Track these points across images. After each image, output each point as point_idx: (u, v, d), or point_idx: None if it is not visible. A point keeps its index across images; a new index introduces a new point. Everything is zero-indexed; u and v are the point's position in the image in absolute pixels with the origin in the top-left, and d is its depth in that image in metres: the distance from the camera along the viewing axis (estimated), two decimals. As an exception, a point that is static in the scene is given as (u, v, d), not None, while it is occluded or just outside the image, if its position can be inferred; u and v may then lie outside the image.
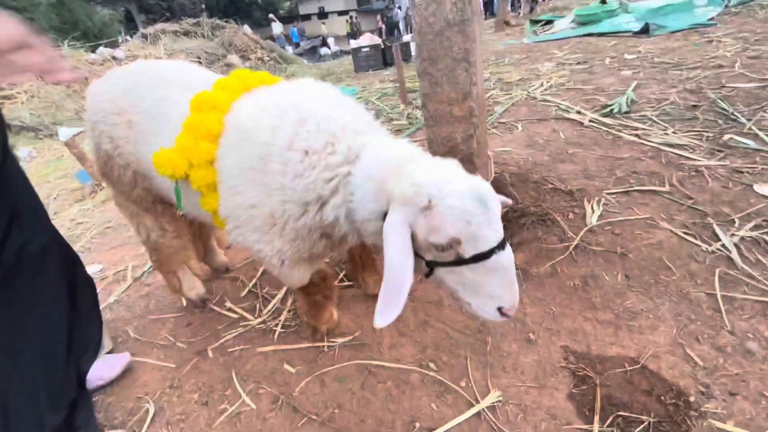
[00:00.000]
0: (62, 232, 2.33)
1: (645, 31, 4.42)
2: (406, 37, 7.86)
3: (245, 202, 0.88)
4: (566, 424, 0.92)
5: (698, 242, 1.33)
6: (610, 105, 2.49)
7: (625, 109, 2.41)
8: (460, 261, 0.70)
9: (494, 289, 0.71)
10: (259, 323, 1.39)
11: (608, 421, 0.90)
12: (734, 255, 1.25)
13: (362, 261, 1.31)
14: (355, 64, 6.62)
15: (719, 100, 2.24)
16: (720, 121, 2.06)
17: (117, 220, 2.41)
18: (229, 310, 1.47)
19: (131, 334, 1.43)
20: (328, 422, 1.02)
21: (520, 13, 10.82)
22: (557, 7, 9.64)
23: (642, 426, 0.88)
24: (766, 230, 1.32)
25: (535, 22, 6.77)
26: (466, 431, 0.94)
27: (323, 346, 1.24)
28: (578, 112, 2.51)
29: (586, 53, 4.16)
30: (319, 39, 14.16)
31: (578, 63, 3.79)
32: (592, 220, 1.49)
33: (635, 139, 2.06)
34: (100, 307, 1.55)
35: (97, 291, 1.73)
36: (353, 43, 6.77)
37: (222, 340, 1.34)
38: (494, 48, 5.66)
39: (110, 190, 1.26)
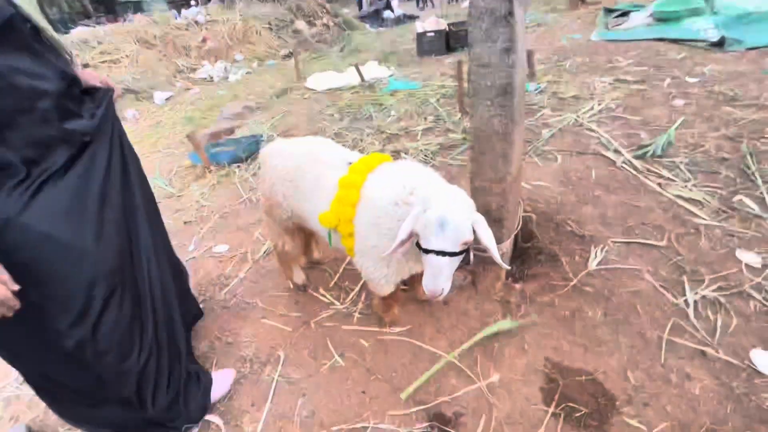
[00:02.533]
0: (192, 212, 3.15)
1: (721, 43, 4.32)
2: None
3: (369, 244, 1.51)
4: (534, 404, 1.51)
5: (668, 295, 1.78)
6: (647, 146, 2.77)
7: (659, 152, 2.70)
8: (419, 248, 1.31)
9: (427, 274, 1.29)
10: (343, 308, 2.07)
11: (560, 407, 1.48)
12: (690, 310, 1.70)
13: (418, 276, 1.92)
14: (418, 47, 6.85)
15: (748, 155, 2.47)
16: (739, 180, 2.34)
17: (231, 206, 3.18)
18: (323, 295, 2.17)
19: (259, 304, 2.18)
20: (388, 381, 1.68)
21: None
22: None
23: (579, 413, 1.45)
24: (724, 292, 1.74)
25: (609, 11, 6.51)
26: (471, 396, 1.56)
27: (387, 332, 1.89)
28: (615, 150, 2.82)
29: (650, 67, 4.20)
30: (383, 2, 14.02)
31: (636, 81, 3.90)
32: (592, 264, 1.96)
33: (656, 187, 2.41)
34: (234, 282, 2.29)
35: (230, 267, 2.49)
36: (419, 27, 6.94)
37: (319, 317, 2.04)
38: (558, 44, 5.66)
39: (268, 218, 1.93)
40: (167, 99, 8.12)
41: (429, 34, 6.66)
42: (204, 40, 9.83)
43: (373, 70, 6.19)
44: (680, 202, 2.27)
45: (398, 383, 1.67)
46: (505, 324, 1.79)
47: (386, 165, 1.59)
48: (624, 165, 2.66)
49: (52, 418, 1.78)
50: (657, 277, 1.88)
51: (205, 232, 2.91)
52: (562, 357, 1.65)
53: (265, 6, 11.35)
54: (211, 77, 9.00)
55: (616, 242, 2.08)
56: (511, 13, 1.37)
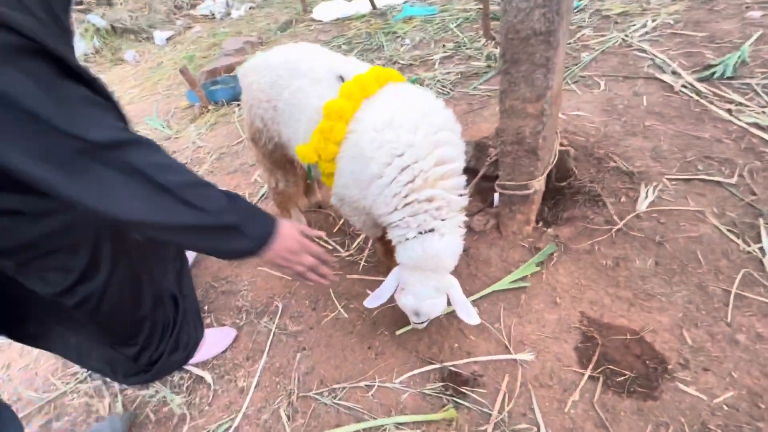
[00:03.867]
0: (187, 153, 2.90)
1: (811, -59, 3.49)
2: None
3: (350, 195, 1.25)
4: (566, 366, 1.29)
5: (738, 241, 1.47)
6: (714, 66, 2.29)
7: (730, 73, 2.22)
8: None
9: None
10: (348, 255, 1.85)
11: (599, 370, 1.25)
12: (766, 259, 1.39)
13: None
14: (437, -31, 6.01)
15: None
16: (834, 102, 1.89)
17: (228, 147, 2.91)
18: (325, 241, 1.94)
19: (257, 250, 1.98)
20: (396, 337, 1.48)
21: None
22: None
23: (623, 378, 1.22)
24: (813, 239, 1.41)
25: None
26: (492, 354, 1.35)
27: (395, 282, 1.67)
28: (673, 72, 2.35)
29: (717, -25, 3.47)
30: None
31: (701, -9, 3.24)
32: (642, 206, 1.64)
33: (725, 114, 1.99)
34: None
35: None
36: (438, -58, 6.05)
37: (321, 265, 1.83)
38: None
39: (256, 150, 1.65)
40: (168, 39, 7.63)
41: (450, -49, 5.79)
42: (202, -28, 9.01)
43: (385, -3, 5.51)
44: (755, 131, 1.85)
45: (407, 339, 1.47)
46: (529, 268, 1.54)
47: (389, 92, 1.24)
48: (684, 89, 2.21)
49: (43, 366, 1.70)
50: (724, 220, 1.55)
51: (200, 174, 2.67)
52: (601, 312, 1.40)
53: (267, -71, 10.22)
54: (213, 14, 8.37)
55: (672, 179, 1.73)
56: None
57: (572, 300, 1.46)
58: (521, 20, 1.22)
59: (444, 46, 3.52)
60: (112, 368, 1.46)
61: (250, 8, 8.21)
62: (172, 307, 1.49)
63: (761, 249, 1.43)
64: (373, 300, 1.31)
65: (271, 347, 1.55)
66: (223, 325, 1.68)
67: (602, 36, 2.96)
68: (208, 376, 1.49)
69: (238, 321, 1.68)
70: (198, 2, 8.71)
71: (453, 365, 1.36)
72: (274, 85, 1.38)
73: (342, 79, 1.27)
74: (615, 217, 1.62)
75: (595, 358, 1.28)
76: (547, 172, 1.55)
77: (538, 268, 1.56)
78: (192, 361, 1.54)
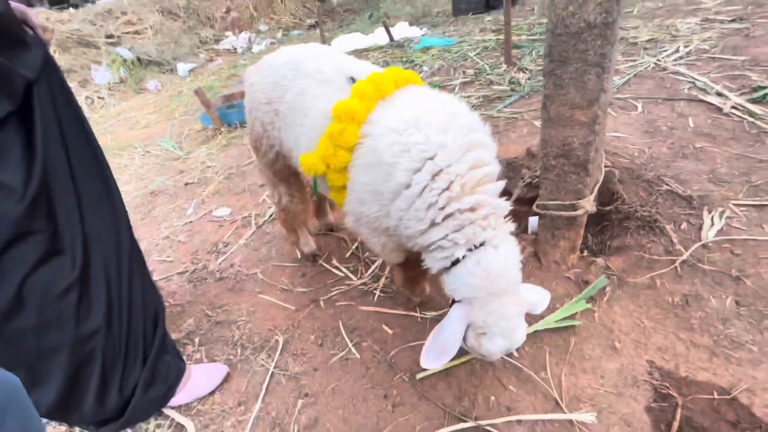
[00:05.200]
0: (196, 173, 2.76)
1: (843, -27, 3.41)
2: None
3: (368, 213, 1.05)
4: (639, 433, 1.01)
5: (838, 278, 1.20)
6: (764, 87, 2.10)
7: (783, 93, 2.03)
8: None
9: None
10: (361, 284, 1.62)
11: (683, 441, 0.97)
12: None
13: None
14: (454, 5, 6.16)
15: None
16: None
17: (237, 167, 2.79)
18: (336, 267, 1.73)
19: (259, 276, 1.77)
20: (417, 384, 1.22)
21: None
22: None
23: (719, 453, 0.93)
24: None
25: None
26: (538, 412, 1.08)
27: (417, 316, 1.43)
28: (718, 94, 2.17)
29: (747, 5, 3.39)
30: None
31: (733, 20, 3.13)
32: (709, 234, 1.40)
33: (788, 136, 1.77)
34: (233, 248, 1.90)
35: (230, 232, 2.10)
36: (455, -18, 6.23)
37: (330, 294, 1.60)
38: (623, -9, 4.83)
39: (257, 160, 1.50)
40: (190, 70, 7.90)
41: (467, -10, 5.94)
42: (227, 11, 9.51)
43: (403, 31, 5.61)
44: (828, 154, 1.63)
45: (431, 387, 1.21)
46: (578, 305, 1.29)
47: (409, 93, 1.09)
48: (734, 110, 2.01)
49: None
50: (814, 252, 1.29)
51: (207, 194, 2.53)
52: (675, 362, 1.13)
53: (290, -26, 10.84)
54: (235, 48, 8.71)
55: (740, 205, 1.49)
56: None
57: (635, 345, 1.19)
58: (573, 12, 1.06)
59: (464, 72, 3.44)
60: (76, 412, 1.21)
61: (271, 43, 8.52)
62: (151, 326, 1.25)
63: None
64: (434, 357, 0.99)
65: (267, 391, 1.30)
66: (215, 360, 1.44)
67: (632, 60, 2.83)
68: (190, 425, 1.23)
69: (231, 357, 1.44)
70: (222, 37, 9.09)
71: (490, 424, 1.08)
72: (276, 86, 1.23)
73: (353, 80, 1.12)
74: (679, 247, 1.38)
75: (676, 424, 1.00)
76: (596, 191, 1.34)
77: (589, 305, 1.31)
78: (173, 402, 1.30)
